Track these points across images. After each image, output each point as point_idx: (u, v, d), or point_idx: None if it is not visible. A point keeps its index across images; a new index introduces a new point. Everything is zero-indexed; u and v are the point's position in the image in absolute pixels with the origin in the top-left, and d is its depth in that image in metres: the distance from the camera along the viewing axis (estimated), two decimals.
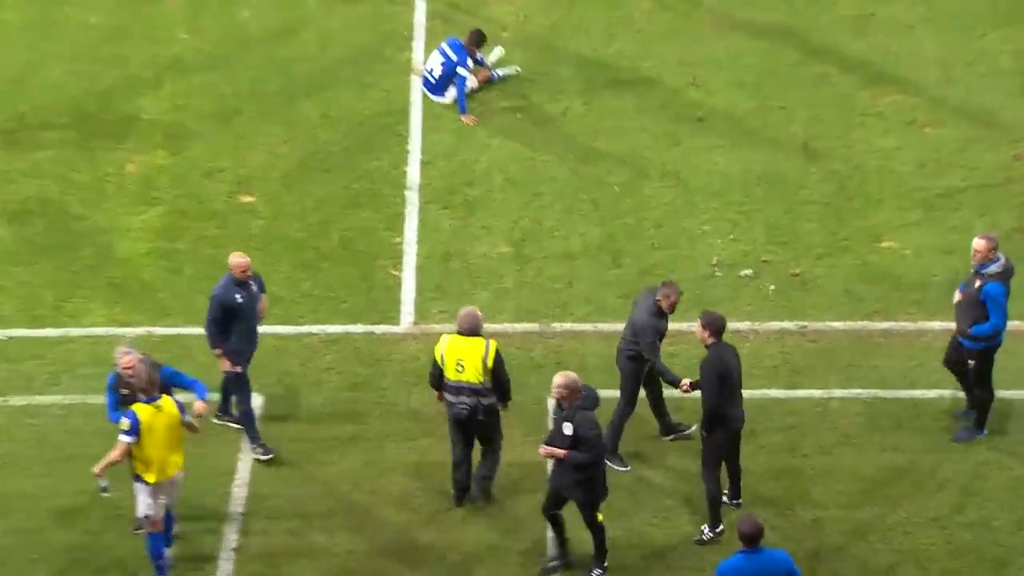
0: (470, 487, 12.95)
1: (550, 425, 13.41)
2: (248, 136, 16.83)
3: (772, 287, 15.11)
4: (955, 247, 15.47)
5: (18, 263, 15.35)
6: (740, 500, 12.79)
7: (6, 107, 17.12)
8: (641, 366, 13.09)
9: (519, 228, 15.81)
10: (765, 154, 16.59)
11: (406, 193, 16.16)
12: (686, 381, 12.74)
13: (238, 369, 13.11)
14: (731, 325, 14.29)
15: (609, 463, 12.88)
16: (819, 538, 12.62)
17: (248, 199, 16.12)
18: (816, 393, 14.00)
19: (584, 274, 15.26)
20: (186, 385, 12.37)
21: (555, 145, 16.76)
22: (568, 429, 11.89)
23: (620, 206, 16.06)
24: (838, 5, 18.22)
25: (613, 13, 18.12)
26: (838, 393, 13.95)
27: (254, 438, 13.29)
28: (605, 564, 12.26)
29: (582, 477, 11.99)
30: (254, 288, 13.30)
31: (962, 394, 13.57)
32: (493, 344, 12.74)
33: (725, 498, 12.72)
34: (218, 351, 13.08)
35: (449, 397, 12.79)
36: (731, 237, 15.70)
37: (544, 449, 12.05)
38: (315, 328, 14.72)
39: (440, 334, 13.78)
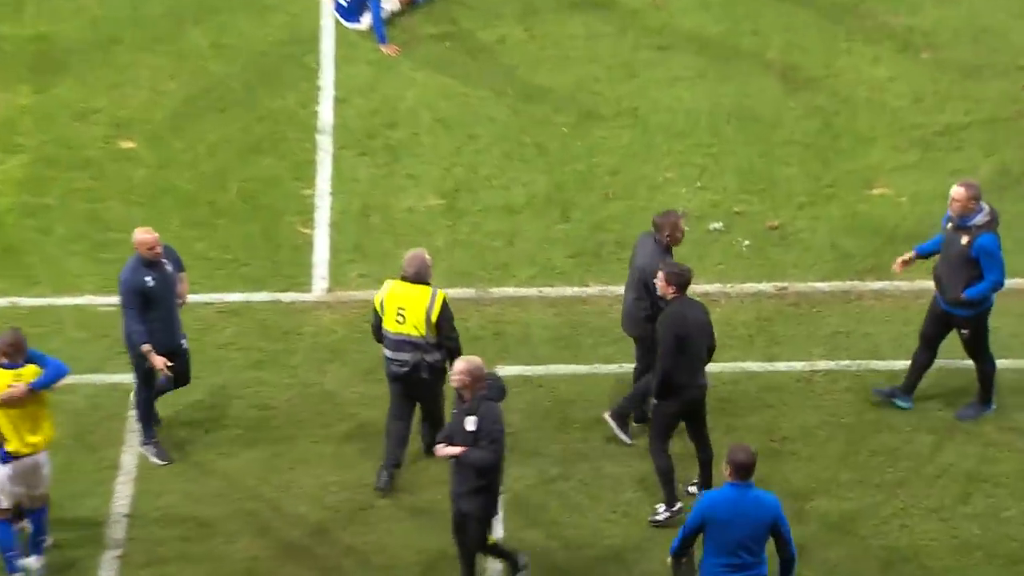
0: (401, 465, 12.98)
1: None
2: (128, 70, 16.69)
3: (746, 243, 15.16)
4: None
5: None
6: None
7: None
8: (647, 329, 13.05)
9: (451, 177, 15.78)
10: (736, 87, 16.62)
11: (317, 137, 16.11)
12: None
13: (167, 371, 12.80)
14: (699, 287, 14.36)
15: (618, 431, 13.04)
16: (803, 533, 12.67)
17: (128, 145, 16.01)
18: (798, 365, 14.06)
19: (527, 230, 15.25)
20: (37, 360, 12.07)
21: (492, 79, 16.71)
22: (471, 424, 11.81)
23: (569, 150, 16.06)
24: None
25: None
26: (823, 365, 14.01)
27: (149, 435, 13.17)
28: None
29: (482, 483, 11.91)
30: (168, 267, 13.05)
31: (901, 365, 13.59)
32: (441, 295, 12.79)
33: (693, 488, 12.76)
34: (146, 347, 12.80)
35: (387, 352, 12.83)
36: (698, 185, 15.74)
37: (441, 449, 11.92)
38: (211, 297, 14.65)
39: (361, 302, 13.74)
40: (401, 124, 16.29)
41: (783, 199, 15.55)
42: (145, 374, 13.05)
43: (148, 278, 12.89)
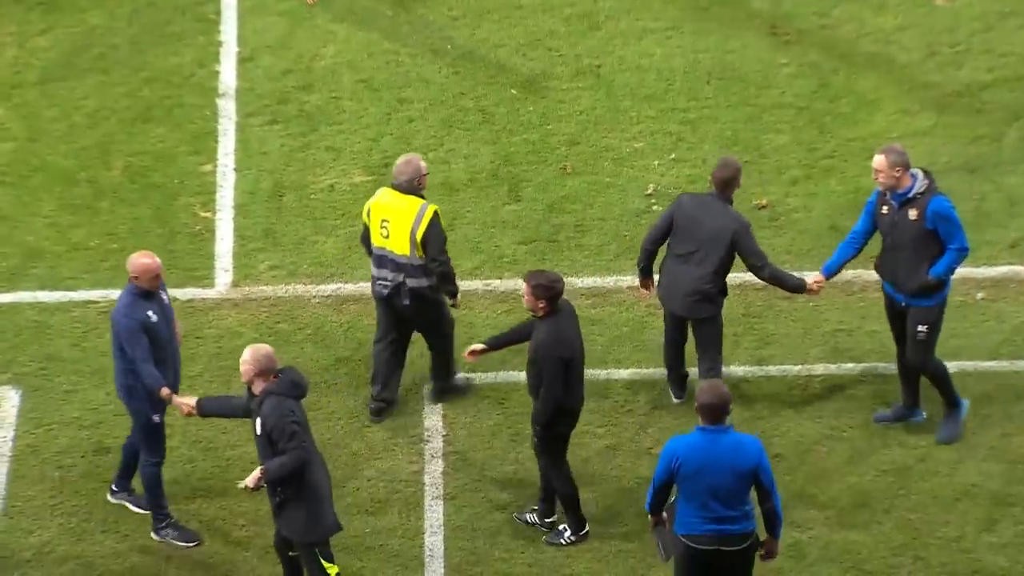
0: (393, 399, 13.40)
1: (426, 422, 13.41)
2: None
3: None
4: (980, 163, 15.70)
5: None
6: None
7: None
8: (721, 304, 13.22)
9: (379, 149, 15.81)
10: (717, 41, 16.70)
11: (218, 102, 16.15)
12: (814, 277, 13.27)
13: (156, 419, 12.63)
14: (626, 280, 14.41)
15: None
16: (799, 568, 12.75)
17: None
18: (793, 369, 14.13)
19: (471, 212, 15.29)
20: None
21: (427, 33, 16.74)
22: (258, 427, 11.78)
23: (519, 117, 16.12)
24: None
25: None
26: (821, 369, 14.09)
27: (163, 515, 12.86)
28: None
29: (289, 494, 11.83)
30: (164, 298, 12.76)
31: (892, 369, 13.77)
32: (431, 209, 13.06)
33: (532, 516, 12.88)
34: (166, 391, 12.45)
35: (372, 269, 13.20)
36: (672, 156, 15.80)
37: (250, 480, 11.76)
38: (93, 294, 14.66)
39: (272, 299, 13.73)
40: (318, 87, 16.31)
41: (773, 173, 15.63)
42: (154, 433, 12.67)
43: (150, 312, 12.49)
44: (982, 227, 15.21)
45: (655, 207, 15.27)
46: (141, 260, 12.56)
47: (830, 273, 13.45)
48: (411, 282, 13.14)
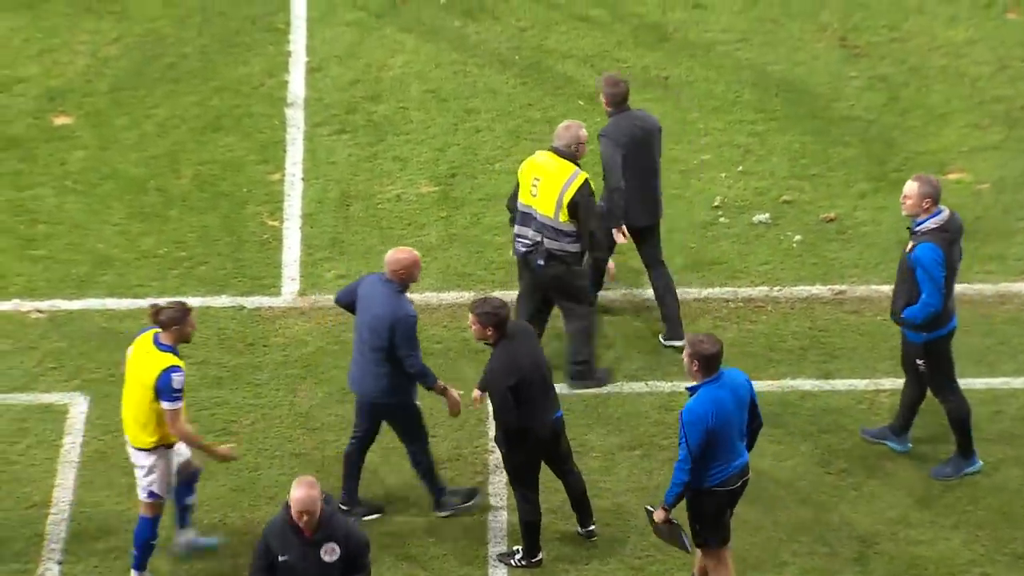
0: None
1: (490, 432, 13.43)
2: (61, 32, 16.80)
3: (797, 238, 15.20)
4: None
5: None
6: (594, 526, 12.84)
7: None
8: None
9: (445, 160, 15.83)
10: (786, 53, 16.69)
11: (287, 112, 16.22)
12: None
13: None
14: (742, 291, 14.39)
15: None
16: None
17: (63, 121, 16.11)
18: (859, 384, 14.08)
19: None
20: None
21: (495, 44, 16.76)
22: (329, 554, 11.47)
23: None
24: None
25: None
26: (889, 383, 14.01)
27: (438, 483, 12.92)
28: None
29: None
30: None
31: (981, 384, 13.64)
32: (581, 176, 13.29)
33: (582, 529, 12.81)
34: (440, 383, 12.58)
35: (516, 227, 13.44)
36: (740, 169, 15.78)
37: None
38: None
39: (338, 308, 13.75)
40: (386, 97, 16.36)
41: (841, 187, 15.58)
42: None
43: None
44: None
45: (722, 219, 15.25)
46: (400, 256, 12.56)
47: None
48: (548, 243, 13.35)
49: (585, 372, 13.76)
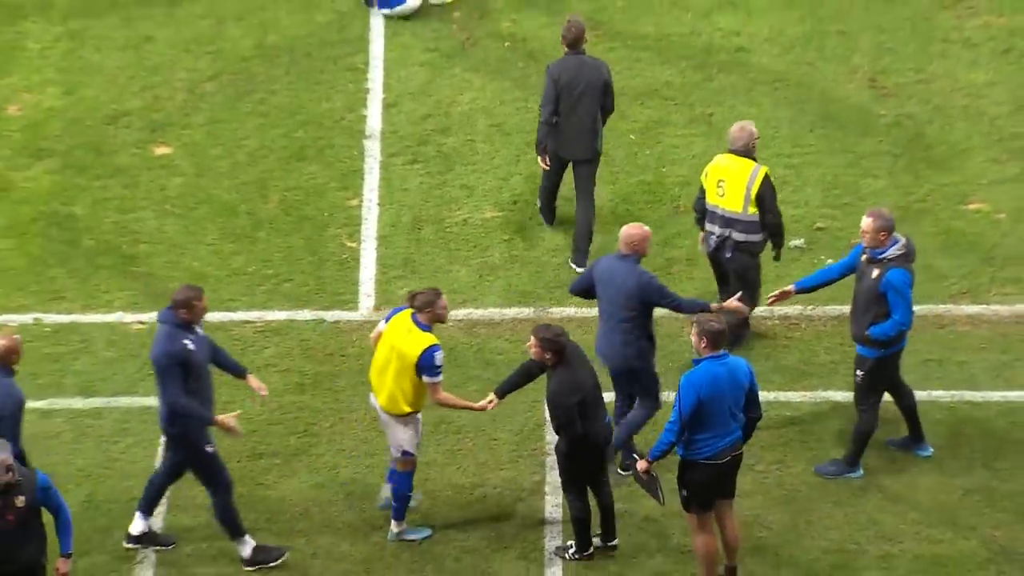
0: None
1: (548, 436, 13.37)
2: (163, 70, 16.84)
3: (829, 261, 15.08)
4: None
5: None
6: (616, 541, 12.75)
7: None
8: None
9: (508, 188, 15.79)
10: (820, 92, 16.60)
11: (364, 143, 16.19)
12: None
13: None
14: (779, 310, 14.28)
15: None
16: None
17: (163, 151, 16.13)
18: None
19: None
20: (53, 507, 11.59)
21: None
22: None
23: (637, 159, 16.06)
24: None
25: None
26: (914, 395, 13.92)
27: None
28: None
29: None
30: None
31: (999, 397, 13.56)
32: (763, 171, 13.68)
33: (598, 540, 12.70)
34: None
35: (707, 224, 13.89)
36: (778, 199, 15.69)
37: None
38: (251, 315, 14.73)
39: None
40: (455, 130, 16.34)
41: None
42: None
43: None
44: None
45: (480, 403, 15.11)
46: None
47: (800, 288, 13.34)
48: (737, 236, 13.72)
49: (743, 335, 14.12)
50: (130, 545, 12.76)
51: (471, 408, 12.68)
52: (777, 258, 14.05)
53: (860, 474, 13.25)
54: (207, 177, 15.91)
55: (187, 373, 12.22)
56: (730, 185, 13.70)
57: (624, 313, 12.93)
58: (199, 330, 12.43)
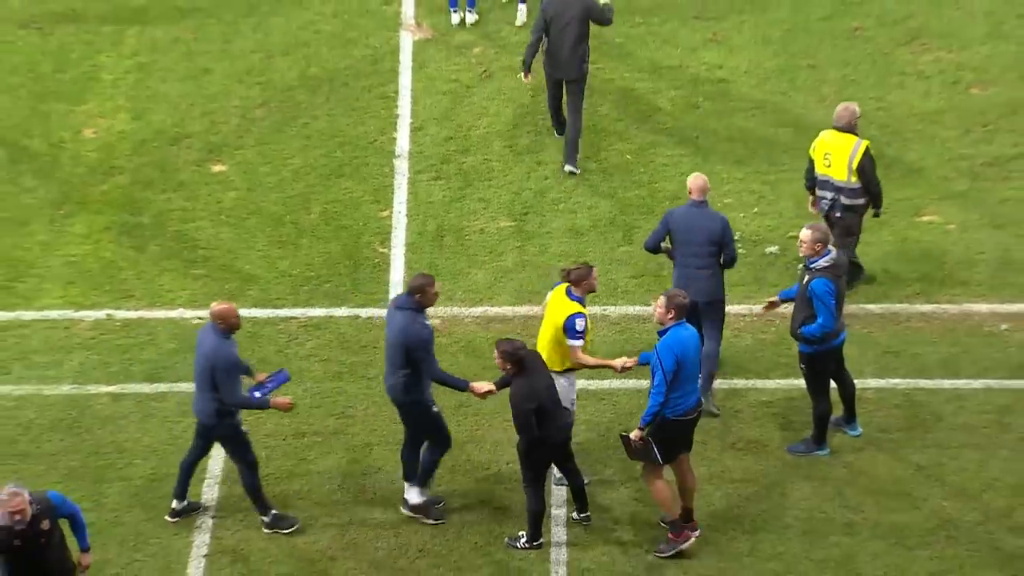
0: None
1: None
2: (219, 99, 16.88)
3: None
4: (1005, 221, 15.49)
5: None
6: (588, 512, 12.69)
7: None
8: None
9: (520, 201, 15.85)
10: (793, 118, 16.61)
11: (395, 162, 16.21)
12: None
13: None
14: (756, 307, 14.31)
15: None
16: (853, 544, 12.63)
17: (219, 168, 16.17)
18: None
19: (592, 251, 15.28)
20: (68, 515, 11.42)
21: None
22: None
23: (632, 176, 16.09)
24: None
25: None
26: (873, 383, 13.94)
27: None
28: None
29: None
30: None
31: (948, 384, 13.62)
32: (864, 144, 13.97)
33: (578, 515, 12.64)
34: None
35: (818, 191, 14.20)
36: (755, 211, 15.71)
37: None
38: (295, 311, 14.74)
39: (433, 317, 13.75)
40: (474, 151, 16.37)
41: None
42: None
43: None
44: (1006, 272, 15.01)
45: (741, 250, 15.12)
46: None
47: (783, 298, 13.32)
48: (844, 200, 14.05)
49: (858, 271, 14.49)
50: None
51: (609, 366, 12.73)
52: (877, 215, 14.32)
53: (827, 452, 13.30)
54: (257, 191, 15.94)
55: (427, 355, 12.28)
56: (835, 157, 14.00)
57: (708, 250, 13.24)
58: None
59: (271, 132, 16.52)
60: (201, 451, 12.77)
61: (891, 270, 15.07)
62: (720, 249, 13.31)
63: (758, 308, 14.09)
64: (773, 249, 15.26)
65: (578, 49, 15.58)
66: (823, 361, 13.02)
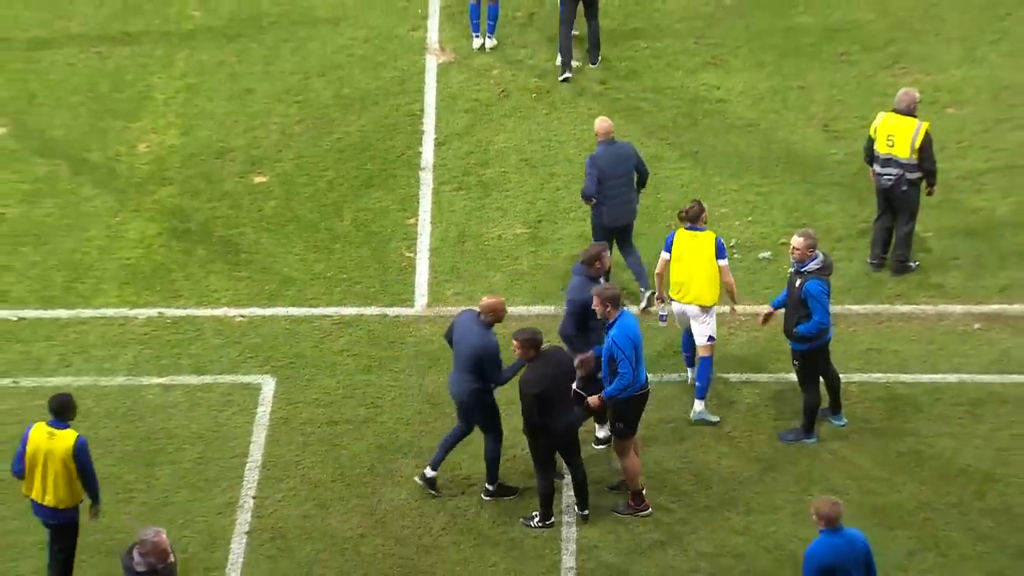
0: (884, 258, 14.65)
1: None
2: (261, 116, 16.88)
3: (791, 270, 15.05)
4: (977, 229, 15.43)
5: (29, 244, 15.41)
6: (587, 511, 12.56)
7: (17, 87, 17.20)
8: None
9: (535, 209, 15.82)
10: (785, 135, 16.56)
11: (420, 174, 16.19)
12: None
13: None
14: (751, 308, 14.29)
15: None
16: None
17: (261, 179, 16.17)
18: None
19: None
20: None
21: (571, 126, 16.76)
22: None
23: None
24: None
25: None
26: (857, 378, 13.90)
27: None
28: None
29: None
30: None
31: (927, 379, 13.60)
32: (925, 126, 14.28)
33: (578, 511, 12.58)
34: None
35: (877, 168, 14.41)
36: (749, 219, 15.67)
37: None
38: (329, 310, 14.74)
39: (452, 315, 13.72)
40: (492, 164, 16.34)
41: (823, 233, 15.39)
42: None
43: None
44: (979, 275, 14.97)
45: (736, 255, 15.14)
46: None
47: (777, 307, 13.29)
48: (908, 175, 14.30)
49: (904, 267, 14.66)
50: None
51: (733, 294, 13.25)
52: (930, 194, 14.47)
53: (815, 440, 13.27)
54: (295, 200, 15.91)
55: (585, 316, 12.61)
56: (898, 138, 14.23)
57: (629, 177, 14.16)
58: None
59: (308, 146, 16.52)
60: (464, 431, 12.73)
61: (873, 274, 15.04)
62: (636, 172, 14.14)
63: (751, 309, 14.01)
64: (766, 255, 15.22)
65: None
66: (814, 357, 12.99)
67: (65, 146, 16.53)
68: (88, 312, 14.67)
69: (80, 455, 11.53)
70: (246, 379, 13.93)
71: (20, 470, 11.69)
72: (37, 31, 17.79)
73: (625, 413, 12.35)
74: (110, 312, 14.64)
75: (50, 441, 11.58)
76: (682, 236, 13.38)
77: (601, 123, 14.23)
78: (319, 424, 13.58)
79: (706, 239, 13.29)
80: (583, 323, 12.69)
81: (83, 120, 16.80)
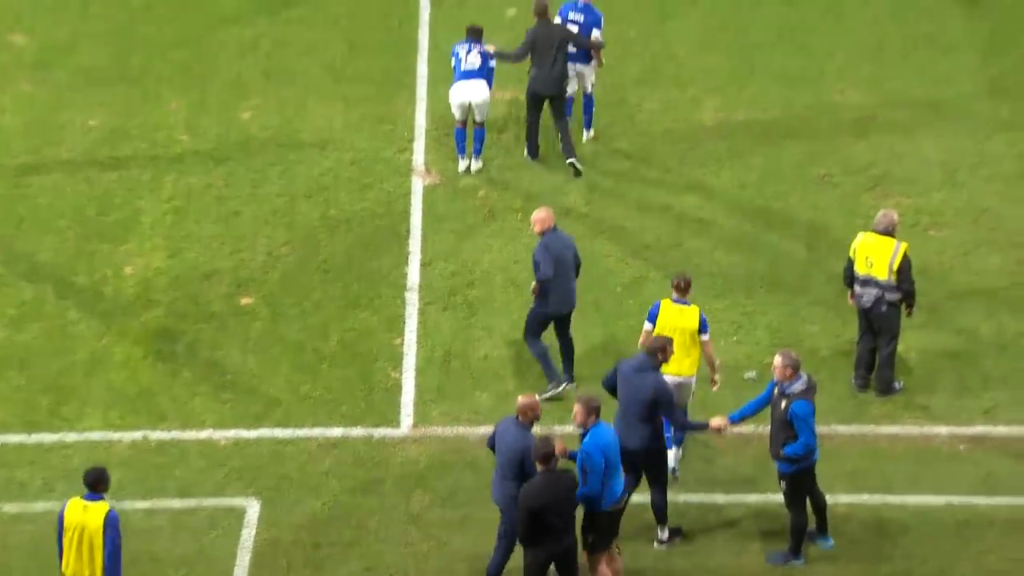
0: (869, 380, 14.75)
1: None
2: (247, 238, 16.93)
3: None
4: (961, 351, 15.49)
5: (14, 367, 15.37)
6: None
7: (5, 212, 17.27)
8: None
9: (519, 329, 15.78)
10: (769, 254, 16.67)
11: (406, 294, 16.23)
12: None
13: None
14: (737, 428, 14.27)
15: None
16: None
17: (247, 301, 16.19)
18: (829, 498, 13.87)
19: (586, 376, 15.22)
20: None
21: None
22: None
23: (622, 307, 16.09)
24: (840, 107, 18.43)
25: (616, 111, 18.33)
26: (844, 499, 13.87)
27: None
28: None
29: None
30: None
31: (914, 500, 13.56)
32: (903, 247, 14.40)
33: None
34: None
35: (857, 288, 14.51)
36: (734, 339, 15.72)
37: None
38: (314, 431, 14.70)
39: (441, 437, 13.68)
40: (478, 284, 16.38)
41: (808, 353, 15.38)
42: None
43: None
44: (963, 396, 15.00)
45: (718, 376, 15.13)
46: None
47: (732, 421, 13.39)
48: (888, 296, 14.38)
49: (889, 388, 14.72)
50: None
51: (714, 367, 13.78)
52: (909, 315, 14.58)
53: (802, 562, 13.19)
54: (281, 322, 15.91)
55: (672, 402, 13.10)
56: (877, 259, 14.36)
57: (574, 263, 14.85)
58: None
59: (294, 268, 16.55)
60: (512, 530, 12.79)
61: (859, 395, 15.06)
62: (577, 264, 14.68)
63: (737, 430, 13.95)
64: (751, 374, 15.24)
65: (563, 71, 16.94)
66: (801, 478, 12.97)
67: (52, 269, 16.55)
68: (72, 436, 14.59)
69: (109, 528, 11.42)
70: (231, 502, 13.87)
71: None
72: (25, 157, 17.91)
73: (598, 526, 12.33)
74: (95, 436, 14.57)
75: (84, 514, 11.48)
76: (667, 308, 13.64)
77: (546, 212, 14.65)
78: (304, 547, 13.50)
79: (691, 313, 13.74)
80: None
81: (70, 244, 16.84)
